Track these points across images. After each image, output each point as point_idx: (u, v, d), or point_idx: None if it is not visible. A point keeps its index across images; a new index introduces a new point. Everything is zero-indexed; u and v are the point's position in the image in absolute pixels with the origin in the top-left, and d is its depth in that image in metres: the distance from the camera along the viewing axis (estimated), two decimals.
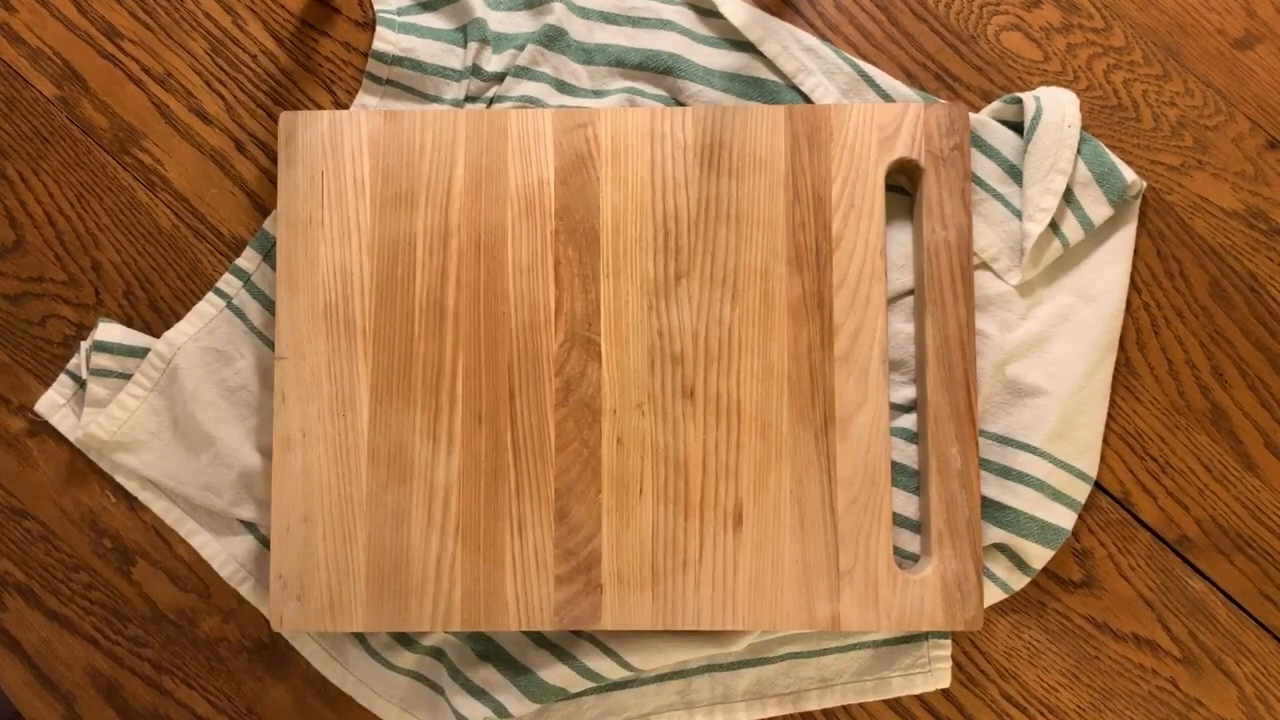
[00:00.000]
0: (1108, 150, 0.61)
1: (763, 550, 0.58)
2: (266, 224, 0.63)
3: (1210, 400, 0.61)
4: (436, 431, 0.59)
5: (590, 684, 0.59)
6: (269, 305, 0.62)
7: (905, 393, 0.61)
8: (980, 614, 0.58)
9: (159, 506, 0.62)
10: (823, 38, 0.64)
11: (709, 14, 0.64)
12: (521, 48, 0.63)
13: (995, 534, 0.59)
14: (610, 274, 0.60)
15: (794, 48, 0.63)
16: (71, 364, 0.63)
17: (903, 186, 0.63)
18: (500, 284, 0.60)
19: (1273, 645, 0.60)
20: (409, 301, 0.60)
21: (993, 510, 0.59)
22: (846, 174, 0.60)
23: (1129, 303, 0.62)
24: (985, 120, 0.62)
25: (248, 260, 0.63)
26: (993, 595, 0.60)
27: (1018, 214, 0.61)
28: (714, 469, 0.59)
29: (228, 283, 0.63)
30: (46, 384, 0.63)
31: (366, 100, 0.64)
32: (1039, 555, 0.59)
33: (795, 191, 0.60)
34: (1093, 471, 0.60)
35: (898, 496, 0.60)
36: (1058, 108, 0.60)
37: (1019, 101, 0.61)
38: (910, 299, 0.62)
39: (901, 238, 0.62)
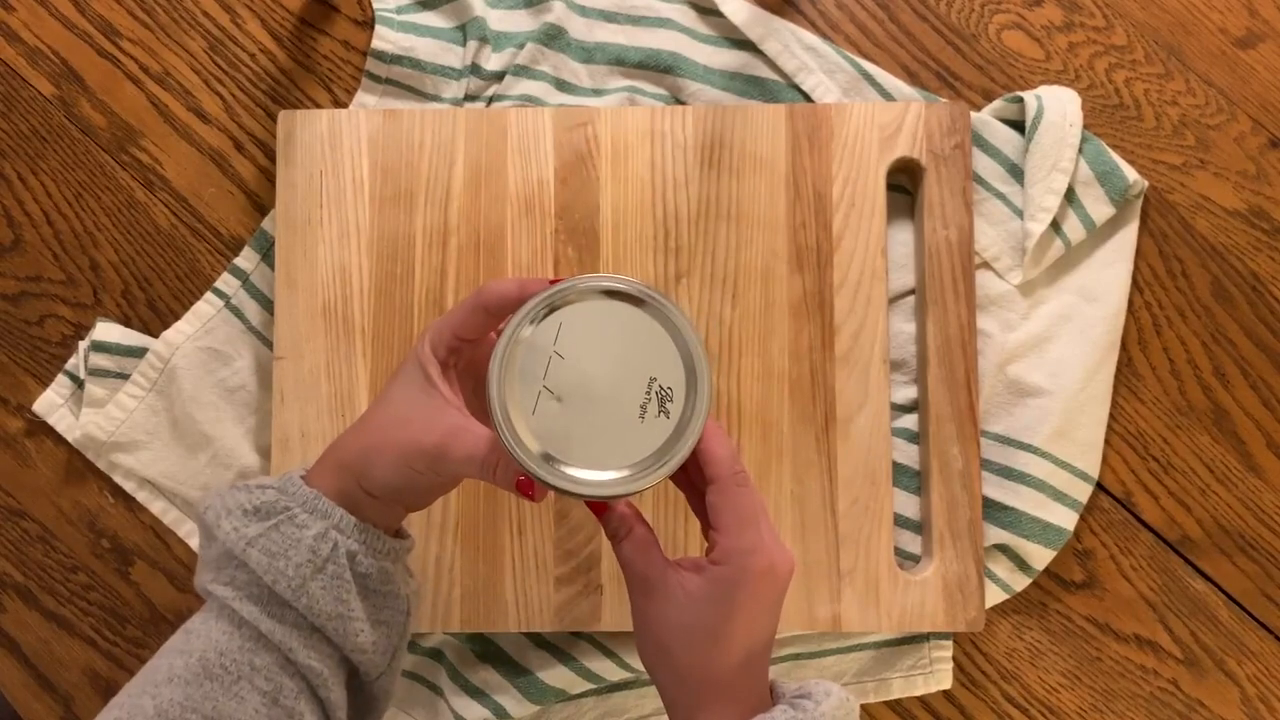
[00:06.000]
0: (1109, 149, 0.60)
1: None
2: (265, 223, 0.63)
3: (1212, 400, 0.61)
4: None
5: (590, 685, 0.59)
6: (267, 305, 0.62)
7: (906, 393, 0.61)
8: (981, 615, 0.58)
9: (157, 507, 0.62)
10: (824, 36, 0.64)
11: (709, 12, 0.64)
12: (521, 46, 0.63)
13: (997, 534, 0.59)
14: None
15: (795, 46, 0.63)
16: (69, 364, 0.63)
17: (904, 186, 0.62)
18: None
19: (1274, 646, 0.60)
20: (408, 301, 0.60)
21: (994, 511, 0.59)
22: (847, 173, 0.60)
23: (1131, 302, 0.61)
24: (986, 119, 0.62)
25: (246, 260, 0.63)
26: (994, 596, 0.60)
27: (1019, 213, 0.61)
28: None
29: (226, 282, 0.63)
30: (44, 384, 0.63)
31: (365, 99, 0.63)
32: (1040, 556, 0.59)
33: (796, 191, 0.60)
34: (1094, 472, 0.60)
35: (899, 497, 0.60)
36: (1059, 107, 0.60)
37: (1020, 100, 0.61)
38: (911, 299, 0.61)
39: (903, 237, 0.62)
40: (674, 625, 0.41)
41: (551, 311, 0.39)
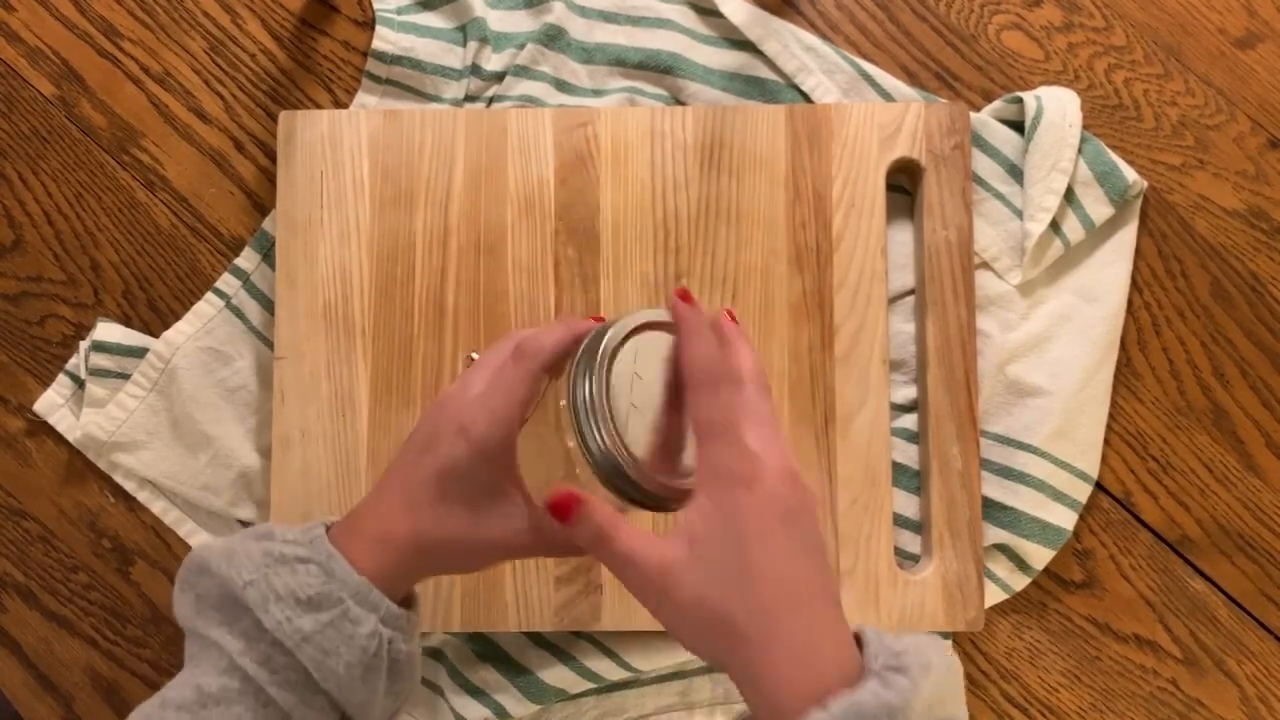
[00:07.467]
0: (1109, 150, 0.61)
1: None
2: (265, 223, 0.63)
3: (1211, 400, 0.61)
4: None
5: (590, 684, 0.59)
6: (268, 305, 0.62)
7: (906, 393, 0.61)
8: (981, 614, 0.58)
9: (158, 507, 0.62)
10: (823, 37, 0.64)
11: (709, 13, 0.64)
12: (521, 47, 0.63)
13: (996, 534, 0.59)
14: (610, 274, 0.60)
15: (794, 47, 0.63)
16: (70, 364, 0.63)
17: (903, 186, 0.62)
18: (500, 284, 0.60)
19: (1274, 646, 0.60)
20: (408, 301, 0.60)
21: (994, 510, 0.59)
22: (847, 173, 0.60)
23: (1130, 302, 0.61)
24: (986, 120, 0.62)
25: (247, 260, 0.63)
26: (994, 596, 0.60)
27: (1019, 213, 0.61)
28: None
29: (227, 282, 0.63)
30: (45, 384, 0.63)
31: (366, 99, 0.64)
32: (1040, 556, 0.59)
33: (796, 191, 0.60)
34: (1094, 472, 0.60)
35: (898, 496, 0.60)
36: (1059, 107, 0.60)
37: (1020, 101, 0.61)
38: (911, 299, 0.61)
39: (902, 237, 0.62)
40: (700, 586, 0.37)
41: (625, 341, 0.42)
